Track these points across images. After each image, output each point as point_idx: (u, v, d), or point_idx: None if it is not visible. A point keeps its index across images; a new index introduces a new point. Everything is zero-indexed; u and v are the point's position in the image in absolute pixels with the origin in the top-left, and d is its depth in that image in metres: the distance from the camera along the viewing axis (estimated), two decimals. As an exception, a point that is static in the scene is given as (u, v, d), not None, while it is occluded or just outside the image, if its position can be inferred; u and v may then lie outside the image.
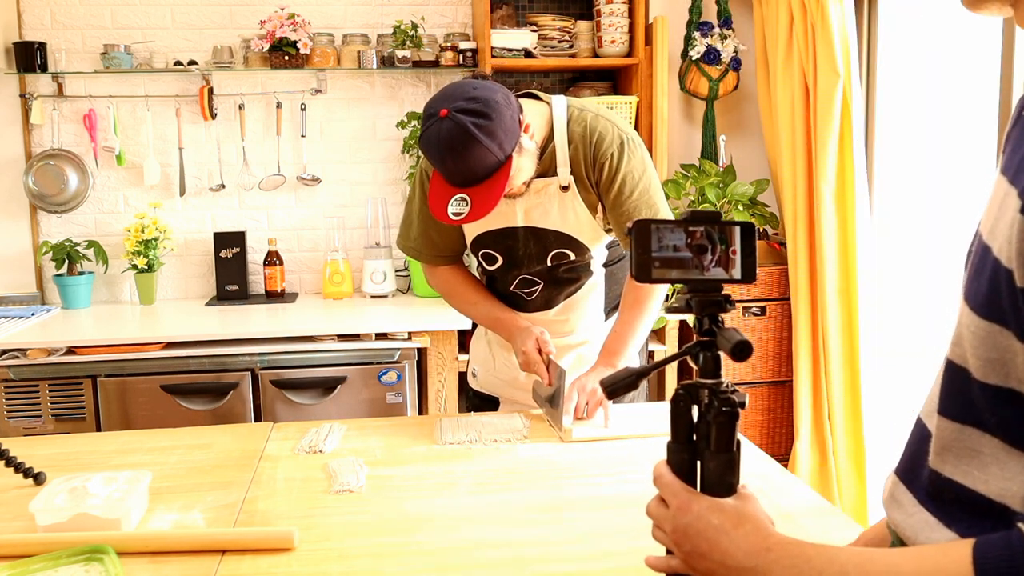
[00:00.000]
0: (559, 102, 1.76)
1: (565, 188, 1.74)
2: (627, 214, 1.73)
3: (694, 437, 0.86)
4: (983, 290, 0.73)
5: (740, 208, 3.06)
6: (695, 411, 0.86)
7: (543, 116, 1.73)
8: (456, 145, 1.50)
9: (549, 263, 1.82)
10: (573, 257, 1.81)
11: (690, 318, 0.87)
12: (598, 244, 1.82)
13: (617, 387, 0.89)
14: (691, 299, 0.86)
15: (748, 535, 0.79)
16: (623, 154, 1.72)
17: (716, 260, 0.86)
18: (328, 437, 1.68)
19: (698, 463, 0.86)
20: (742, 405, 0.83)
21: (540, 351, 1.76)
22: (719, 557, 0.79)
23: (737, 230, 0.86)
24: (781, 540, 0.78)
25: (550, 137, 1.73)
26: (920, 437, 0.85)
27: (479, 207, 1.56)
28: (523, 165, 1.62)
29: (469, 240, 1.86)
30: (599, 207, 1.77)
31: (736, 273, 0.86)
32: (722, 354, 0.84)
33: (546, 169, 1.73)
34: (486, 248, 1.84)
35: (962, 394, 0.77)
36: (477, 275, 1.99)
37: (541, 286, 1.86)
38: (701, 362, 0.85)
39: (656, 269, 0.85)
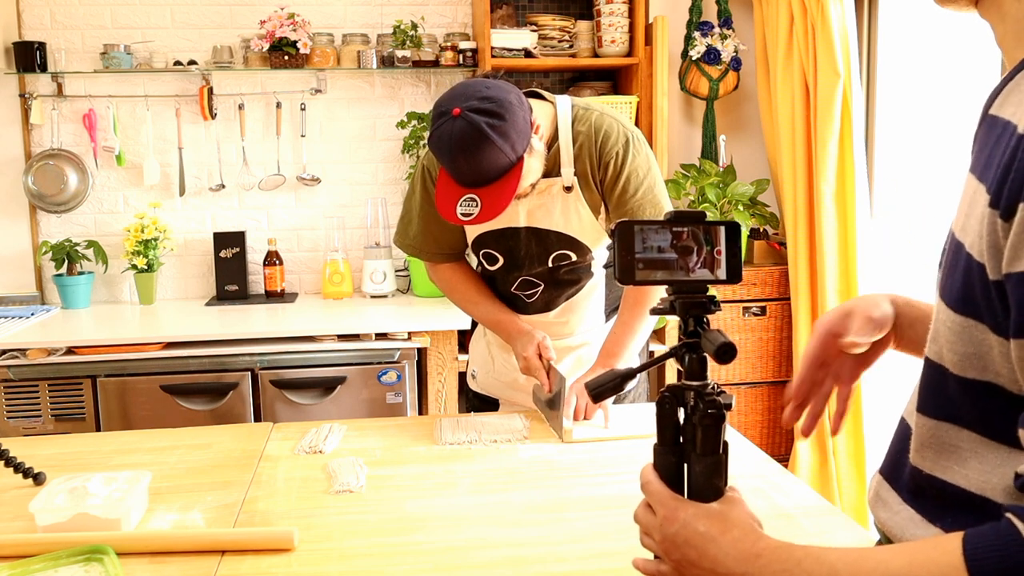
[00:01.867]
0: (564, 101, 1.75)
1: (568, 189, 1.73)
2: (631, 213, 1.72)
3: (680, 440, 0.85)
4: (957, 286, 0.73)
5: (740, 208, 3.06)
6: (681, 413, 0.85)
7: (548, 115, 1.72)
8: (469, 145, 1.49)
9: (550, 264, 1.81)
10: (574, 258, 1.80)
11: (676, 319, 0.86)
12: (599, 245, 1.81)
13: (602, 390, 0.89)
14: (675, 301, 0.85)
15: (736, 541, 0.78)
16: (628, 152, 1.71)
17: (701, 261, 0.85)
18: (328, 437, 1.68)
19: (685, 465, 0.85)
20: (728, 407, 0.82)
21: (541, 356, 1.76)
22: (708, 565, 0.79)
23: (722, 230, 0.85)
24: (770, 545, 0.77)
25: (555, 137, 1.72)
26: (902, 436, 0.85)
27: (489, 208, 1.54)
28: (532, 166, 1.62)
29: (470, 239, 1.85)
30: (602, 208, 1.77)
31: (721, 274, 0.85)
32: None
33: (550, 169, 1.72)
34: (487, 248, 1.84)
35: (940, 390, 0.77)
36: (482, 276, 1.98)
37: (542, 288, 1.85)
38: (686, 364, 0.84)
39: (640, 271, 0.84)
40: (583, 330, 1.92)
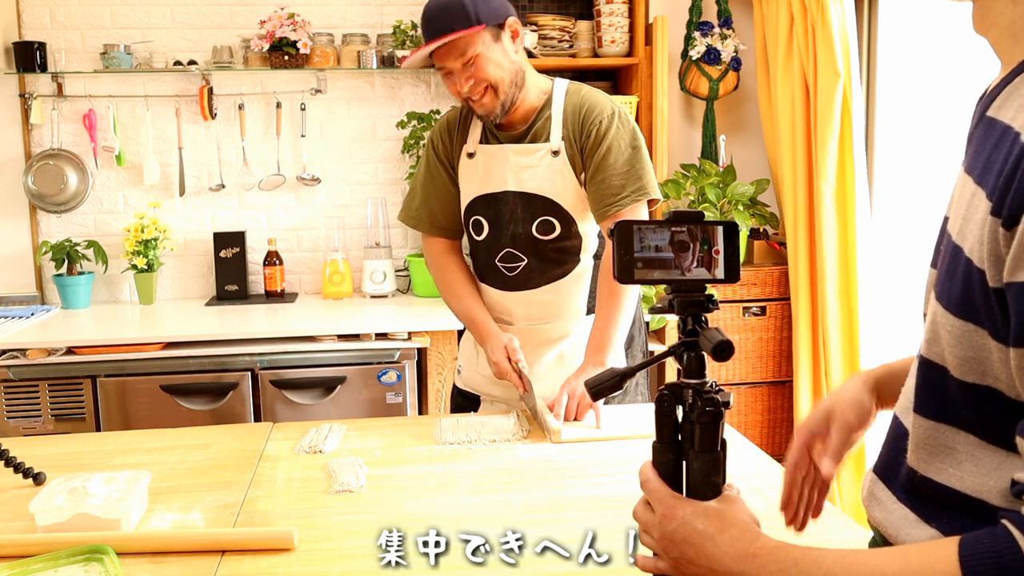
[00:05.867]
0: (562, 79, 1.89)
1: (556, 153, 1.81)
2: (607, 182, 1.78)
3: (679, 437, 0.86)
4: (957, 290, 0.73)
5: (740, 208, 3.06)
6: (679, 411, 0.86)
7: (544, 87, 1.86)
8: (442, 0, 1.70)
9: (535, 232, 1.84)
10: (559, 229, 1.84)
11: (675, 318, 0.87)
12: (585, 219, 1.86)
13: (601, 388, 0.90)
14: (673, 299, 0.85)
15: (734, 540, 0.79)
16: (612, 124, 1.80)
17: (699, 260, 0.85)
18: (328, 437, 1.68)
19: (683, 463, 0.86)
20: (726, 405, 0.83)
21: (510, 360, 1.79)
22: (706, 563, 0.79)
23: (720, 230, 0.86)
24: (767, 545, 0.78)
25: (547, 105, 1.83)
26: (896, 435, 0.85)
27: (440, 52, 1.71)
28: (499, 60, 1.74)
29: (464, 205, 1.91)
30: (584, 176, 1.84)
31: (719, 273, 0.86)
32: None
33: (540, 135, 1.83)
34: (477, 215, 1.89)
35: (938, 392, 0.77)
36: (467, 252, 2.01)
37: (525, 263, 1.88)
38: (685, 362, 0.85)
39: (639, 270, 0.85)
40: (562, 318, 1.92)
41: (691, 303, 0.85)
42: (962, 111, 2.68)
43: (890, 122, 2.99)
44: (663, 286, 0.87)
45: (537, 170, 1.82)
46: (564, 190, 1.82)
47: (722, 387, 0.84)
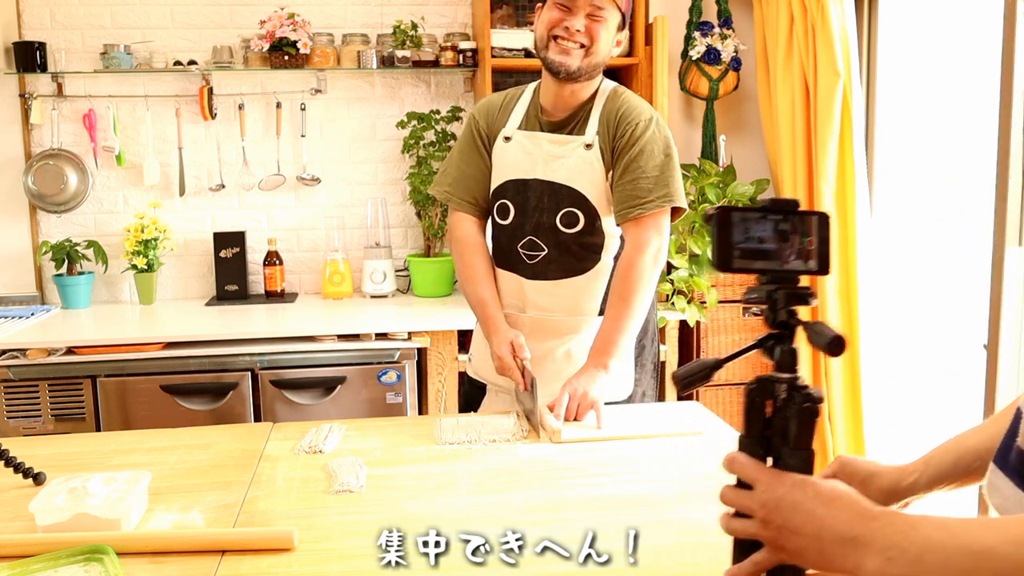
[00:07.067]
0: (611, 82, 1.93)
1: (588, 146, 1.84)
2: (635, 183, 1.79)
3: (766, 433, 0.84)
4: None
5: (740, 208, 3.06)
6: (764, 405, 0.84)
7: (592, 84, 1.89)
8: None
9: (559, 223, 1.86)
10: (583, 223, 1.85)
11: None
12: (610, 217, 1.86)
13: (692, 380, 0.89)
14: (775, 291, 0.83)
15: (848, 506, 0.77)
16: (649, 128, 1.82)
17: (796, 251, 0.84)
18: (328, 437, 1.68)
19: (769, 460, 0.84)
20: (820, 400, 0.82)
21: (515, 356, 1.79)
22: (814, 530, 0.77)
23: (815, 220, 0.84)
24: (886, 510, 0.76)
25: (591, 100, 1.88)
26: (1015, 419, 0.84)
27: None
28: (609, 40, 1.82)
29: (494, 186, 1.93)
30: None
31: (813, 264, 0.84)
32: (797, 348, 0.83)
33: (577, 129, 1.86)
34: (504, 199, 1.91)
35: None
36: (489, 235, 2.01)
37: (545, 253, 1.88)
38: (777, 356, 0.83)
39: (737, 259, 0.83)
40: (573, 314, 1.92)
41: (792, 295, 0.82)
42: (962, 110, 2.69)
43: (890, 122, 2.99)
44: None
45: (567, 161, 1.85)
46: (592, 184, 1.84)
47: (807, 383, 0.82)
